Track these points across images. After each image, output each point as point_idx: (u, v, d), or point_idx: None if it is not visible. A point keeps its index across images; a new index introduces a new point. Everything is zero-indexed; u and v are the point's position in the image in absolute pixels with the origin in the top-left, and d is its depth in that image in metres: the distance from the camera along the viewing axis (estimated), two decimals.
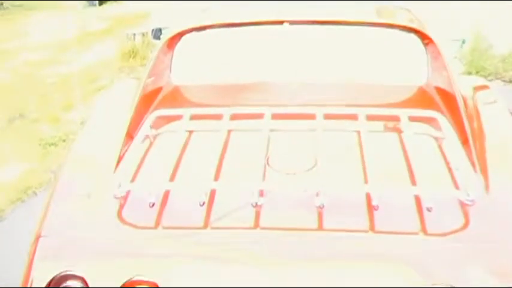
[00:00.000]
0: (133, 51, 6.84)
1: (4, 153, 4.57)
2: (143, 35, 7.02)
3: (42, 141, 4.81)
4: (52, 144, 4.74)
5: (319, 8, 2.90)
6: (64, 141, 4.73)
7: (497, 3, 6.51)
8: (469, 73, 6.20)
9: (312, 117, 2.18)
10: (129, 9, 11.35)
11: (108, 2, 13.63)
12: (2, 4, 11.85)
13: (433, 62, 2.62)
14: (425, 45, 2.63)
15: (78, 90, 5.62)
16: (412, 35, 2.66)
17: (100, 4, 13.38)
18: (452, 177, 1.93)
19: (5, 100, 5.93)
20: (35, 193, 3.92)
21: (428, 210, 1.72)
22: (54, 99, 5.87)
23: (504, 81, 6.22)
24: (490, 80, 6.00)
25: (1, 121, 5.35)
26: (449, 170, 1.97)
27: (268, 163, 1.97)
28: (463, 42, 6.78)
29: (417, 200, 1.78)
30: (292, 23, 2.66)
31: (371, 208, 1.74)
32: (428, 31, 2.63)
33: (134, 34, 7.18)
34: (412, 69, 2.68)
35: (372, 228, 1.71)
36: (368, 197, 1.77)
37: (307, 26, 2.72)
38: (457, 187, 1.86)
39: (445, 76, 2.49)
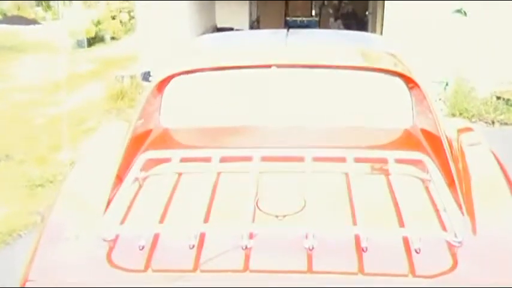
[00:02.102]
0: (121, 93, 6.88)
1: None
2: (131, 77, 7.09)
3: (29, 183, 4.78)
4: (39, 185, 4.71)
5: (307, 52, 2.97)
6: (51, 182, 4.70)
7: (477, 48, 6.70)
8: (453, 115, 6.33)
9: (300, 159, 2.20)
10: (118, 51, 11.49)
11: (97, 44, 13.80)
12: None
13: (418, 105, 2.68)
14: (410, 88, 2.70)
15: (66, 132, 5.62)
16: (398, 79, 2.72)
17: (89, 46, 13.53)
18: (440, 219, 1.95)
19: None
20: (19, 235, 3.87)
21: (417, 251, 1.73)
22: (42, 140, 5.87)
23: (487, 123, 6.35)
24: (473, 122, 6.14)
25: None
26: (436, 211, 2.00)
27: (257, 205, 1.98)
28: (447, 84, 6.98)
29: (405, 241, 1.79)
30: (280, 66, 2.71)
31: (360, 250, 1.75)
32: (413, 75, 2.70)
33: (123, 76, 7.25)
34: (398, 112, 2.73)
35: (361, 270, 1.72)
36: (357, 239, 1.78)
37: (295, 69, 2.77)
38: (444, 229, 1.88)
39: (431, 119, 2.54)
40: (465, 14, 6.81)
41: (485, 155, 2.53)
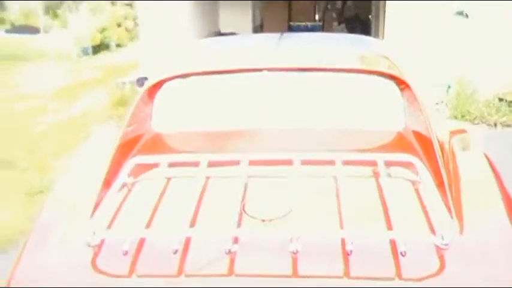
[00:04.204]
0: (122, 100, 6.91)
1: None
2: (132, 83, 7.11)
3: (30, 190, 4.80)
4: (39, 192, 4.73)
5: (299, 55, 2.96)
6: (50, 189, 4.71)
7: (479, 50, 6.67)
8: (455, 117, 6.28)
9: (289, 162, 2.19)
10: (122, 58, 11.55)
11: (102, 51, 13.88)
12: None
13: (410, 107, 2.66)
14: (402, 90, 2.68)
15: (68, 139, 5.65)
16: (390, 81, 2.71)
17: (94, 53, 13.62)
18: (428, 221, 1.93)
19: None
20: (17, 242, 3.87)
21: (403, 254, 1.71)
22: (44, 148, 5.89)
23: (489, 125, 6.30)
24: (475, 124, 6.10)
25: None
26: (425, 214, 1.98)
27: (244, 209, 1.97)
28: (449, 87, 6.95)
29: (393, 244, 1.78)
30: (271, 70, 2.70)
31: (346, 253, 1.73)
32: (404, 77, 2.68)
33: (124, 83, 7.28)
34: (391, 115, 2.72)
35: (347, 273, 1.70)
36: (343, 242, 1.76)
37: (287, 72, 2.76)
38: (432, 231, 1.86)
39: (422, 121, 2.52)
40: (467, 16, 6.78)
41: (477, 157, 2.50)
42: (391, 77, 2.68)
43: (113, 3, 17.65)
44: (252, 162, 2.21)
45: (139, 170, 2.28)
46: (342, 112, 2.74)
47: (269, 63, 2.75)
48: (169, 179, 2.22)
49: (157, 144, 2.68)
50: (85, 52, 13.42)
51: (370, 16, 10.93)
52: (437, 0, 6.78)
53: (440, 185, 2.13)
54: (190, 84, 2.80)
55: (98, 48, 14.03)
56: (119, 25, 15.49)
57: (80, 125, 6.53)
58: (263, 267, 1.74)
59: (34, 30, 16.38)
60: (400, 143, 2.61)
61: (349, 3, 12.98)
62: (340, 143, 2.58)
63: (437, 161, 2.25)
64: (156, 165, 2.26)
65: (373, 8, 10.52)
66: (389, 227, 1.87)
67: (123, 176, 2.21)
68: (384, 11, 7.76)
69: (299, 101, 2.76)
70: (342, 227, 1.84)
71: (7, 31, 17.65)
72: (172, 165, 2.26)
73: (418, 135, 2.54)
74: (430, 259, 1.75)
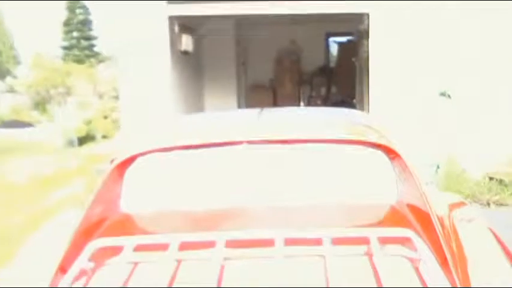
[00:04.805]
0: None
1: None
2: None
3: None
4: None
5: (281, 126, 2.78)
6: None
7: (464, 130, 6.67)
8: None
9: (270, 243, 1.93)
10: (107, 148, 11.48)
11: (88, 143, 13.92)
12: None
13: (402, 179, 2.46)
14: (392, 160, 2.49)
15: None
16: (379, 151, 2.52)
17: (80, 145, 13.64)
18: None
19: None
20: None
21: None
22: (18, 240, 5.59)
23: (482, 204, 6.16)
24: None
25: None
26: None
27: None
28: (438, 167, 6.83)
29: None
30: (251, 142, 2.51)
31: None
32: (394, 146, 2.50)
33: (103, 170, 7.14)
34: (382, 187, 2.51)
35: None
36: None
37: (269, 145, 2.57)
38: None
39: (417, 193, 2.31)
40: (449, 96, 6.82)
41: (481, 232, 2.27)
42: (380, 147, 2.50)
43: (100, 97, 17.94)
44: (229, 244, 1.95)
45: (101, 254, 2.01)
46: (328, 186, 2.52)
47: (249, 135, 2.57)
48: (135, 264, 1.95)
49: (125, 226, 2.42)
50: (71, 143, 13.47)
51: (354, 100, 11.02)
52: (420, 80, 6.84)
53: (443, 262, 1.88)
54: (164, 160, 2.59)
55: (84, 139, 14.09)
56: (105, 117, 15.62)
57: (56, 214, 6.27)
58: None
59: (23, 125, 16.63)
60: (394, 218, 2.38)
61: (333, 89, 13.18)
62: (328, 219, 2.34)
63: (437, 236, 2.01)
64: (120, 249, 1.98)
65: (357, 93, 10.63)
66: None
67: (82, 260, 1.93)
68: (368, 95, 7.80)
69: (283, 176, 2.55)
70: None
71: None
72: (138, 248, 1.99)
73: (413, 208, 2.31)
74: None
